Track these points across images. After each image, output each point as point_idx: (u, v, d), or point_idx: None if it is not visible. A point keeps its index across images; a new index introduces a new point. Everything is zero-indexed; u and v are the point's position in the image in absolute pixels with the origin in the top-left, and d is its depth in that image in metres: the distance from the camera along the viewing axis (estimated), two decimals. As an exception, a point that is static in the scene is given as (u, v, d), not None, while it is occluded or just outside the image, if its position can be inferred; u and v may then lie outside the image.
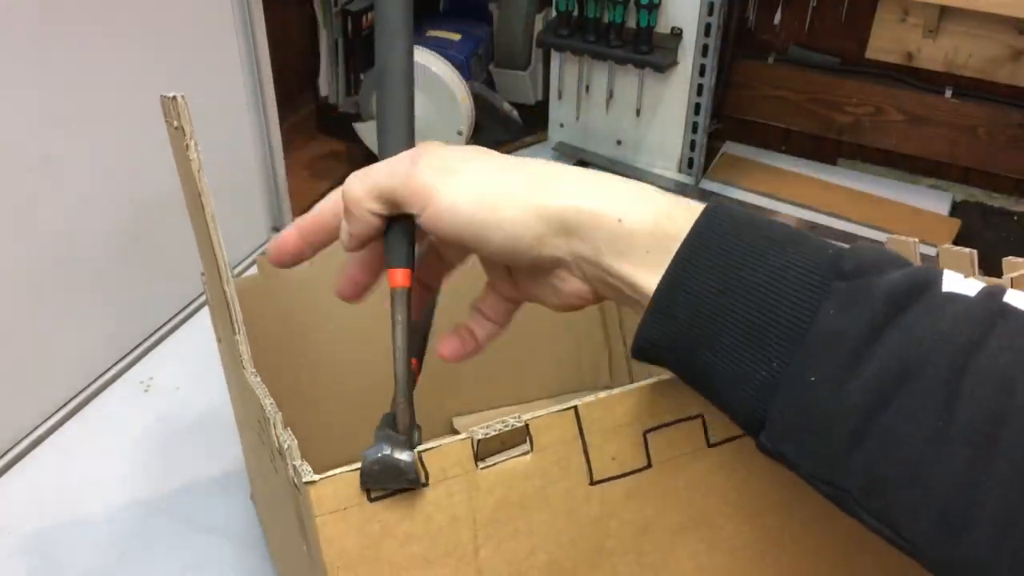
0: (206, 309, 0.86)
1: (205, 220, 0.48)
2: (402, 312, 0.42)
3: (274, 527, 0.69)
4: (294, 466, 0.39)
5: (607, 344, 0.90)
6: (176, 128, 0.48)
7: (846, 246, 0.36)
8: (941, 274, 0.34)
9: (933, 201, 1.28)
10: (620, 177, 0.41)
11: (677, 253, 0.36)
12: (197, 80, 0.97)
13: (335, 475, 0.38)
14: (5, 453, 0.87)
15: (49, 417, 0.90)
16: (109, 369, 0.96)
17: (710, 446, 0.44)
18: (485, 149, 0.43)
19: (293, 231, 0.46)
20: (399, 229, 0.42)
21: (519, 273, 0.44)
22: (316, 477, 0.37)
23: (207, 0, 0.96)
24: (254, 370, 0.47)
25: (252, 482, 0.80)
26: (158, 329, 1.01)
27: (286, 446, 0.40)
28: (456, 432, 0.88)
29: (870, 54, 1.29)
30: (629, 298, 0.39)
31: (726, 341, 0.35)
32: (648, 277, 0.37)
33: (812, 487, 0.35)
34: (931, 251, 1.31)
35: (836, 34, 1.30)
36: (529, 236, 0.39)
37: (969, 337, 0.32)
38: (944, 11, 1.19)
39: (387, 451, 0.37)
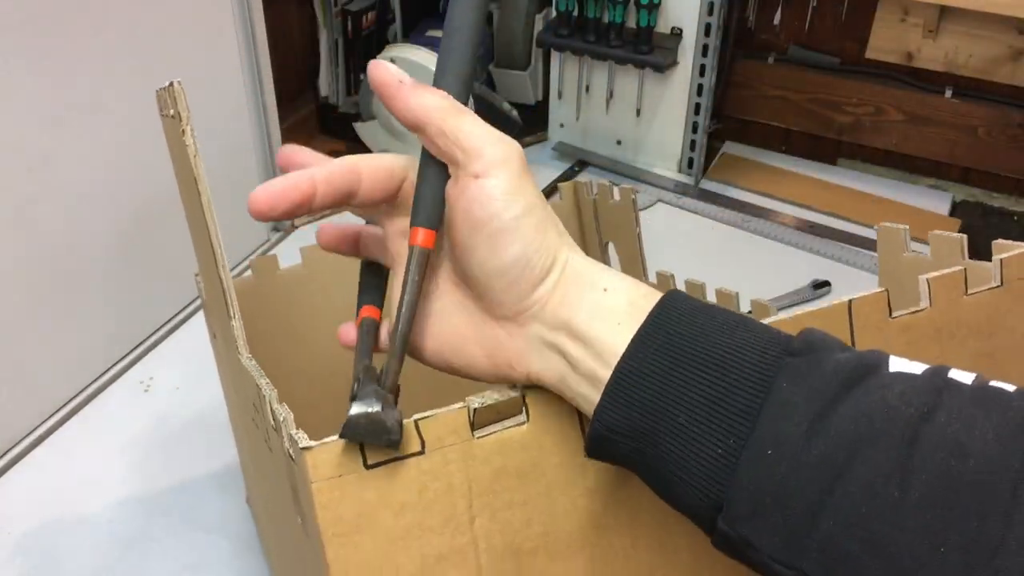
0: (206, 309, 0.86)
1: (201, 208, 0.47)
2: (419, 273, 0.40)
3: (269, 527, 0.69)
4: (290, 435, 0.38)
5: None
6: (172, 117, 0.47)
7: (792, 334, 0.37)
8: (887, 357, 0.35)
9: (933, 201, 1.28)
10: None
11: (636, 334, 0.37)
12: (197, 80, 0.97)
13: (331, 442, 0.37)
14: (5, 453, 0.87)
15: (49, 417, 0.90)
16: (109, 369, 0.96)
17: None
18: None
19: (304, 179, 0.42)
20: (432, 184, 0.41)
21: (484, 300, 0.40)
22: (312, 443, 0.37)
23: (207, 0, 0.96)
24: (249, 355, 0.47)
25: (247, 484, 0.80)
26: (158, 329, 1.01)
27: (281, 418, 0.40)
28: None
29: (870, 54, 1.29)
30: (578, 367, 0.38)
31: (682, 418, 0.35)
32: (617, 341, 0.37)
33: (769, 574, 0.34)
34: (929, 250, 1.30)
35: (836, 34, 1.30)
36: (540, 266, 0.39)
37: (919, 409, 0.32)
38: (944, 11, 1.19)
39: (376, 408, 0.37)
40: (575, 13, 1.23)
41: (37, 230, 0.84)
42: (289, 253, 0.78)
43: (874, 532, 0.31)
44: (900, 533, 0.31)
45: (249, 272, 0.74)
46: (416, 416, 0.39)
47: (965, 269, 0.48)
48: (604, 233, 0.85)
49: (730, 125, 1.40)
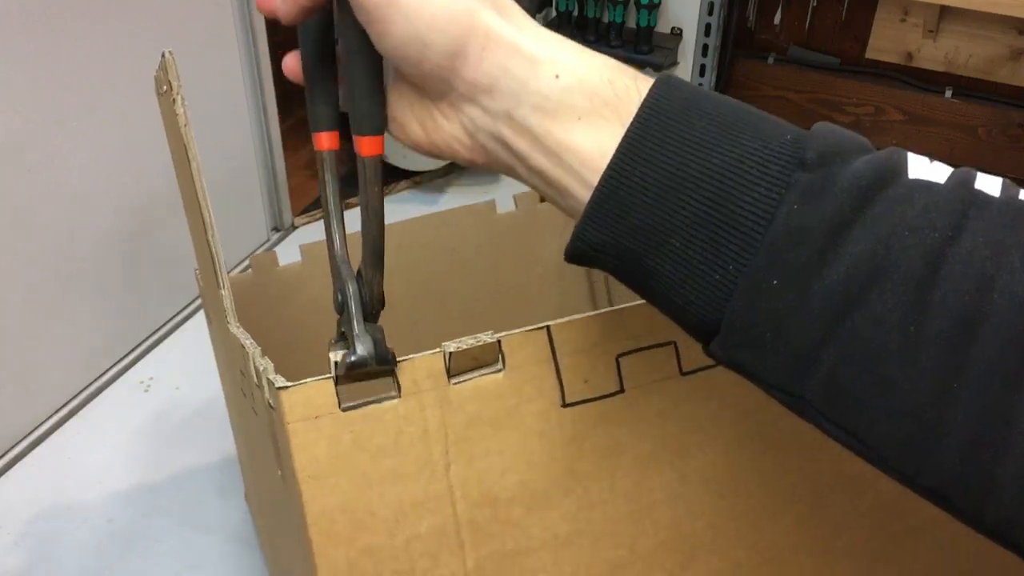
0: (206, 309, 0.86)
1: (191, 177, 0.47)
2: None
3: (263, 517, 0.70)
4: (268, 379, 0.39)
5: (593, 307, 0.91)
6: (164, 92, 0.47)
7: (805, 131, 0.33)
8: (906, 158, 0.31)
9: (933, 201, 1.28)
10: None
11: (620, 146, 0.32)
12: (198, 80, 0.98)
13: (307, 383, 0.38)
14: (5, 453, 0.87)
15: (49, 417, 0.90)
16: (109, 369, 0.96)
17: (683, 374, 0.43)
18: None
19: None
20: (321, 91, 0.39)
21: (409, 81, 0.36)
22: (288, 384, 0.37)
23: (207, 0, 0.96)
24: (238, 323, 0.47)
25: (246, 480, 0.81)
26: (158, 329, 1.01)
27: (262, 368, 0.40)
28: None
29: (870, 54, 1.29)
30: (532, 169, 0.34)
31: (675, 243, 0.31)
32: (586, 144, 0.32)
33: (769, 395, 0.32)
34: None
35: (836, 34, 1.30)
36: (440, 42, 0.33)
37: (942, 232, 0.29)
38: (944, 11, 1.19)
39: (370, 344, 0.37)
40: (575, 13, 1.23)
41: (37, 230, 0.84)
42: (288, 253, 0.78)
43: (883, 368, 0.29)
44: (912, 369, 0.29)
45: (249, 270, 0.74)
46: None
47: None
48: None
49: (730, 125, 1.40)
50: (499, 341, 0.40)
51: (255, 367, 0.41)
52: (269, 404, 0.40)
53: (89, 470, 0.86)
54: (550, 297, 0.88)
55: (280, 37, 1.28)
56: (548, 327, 0.40)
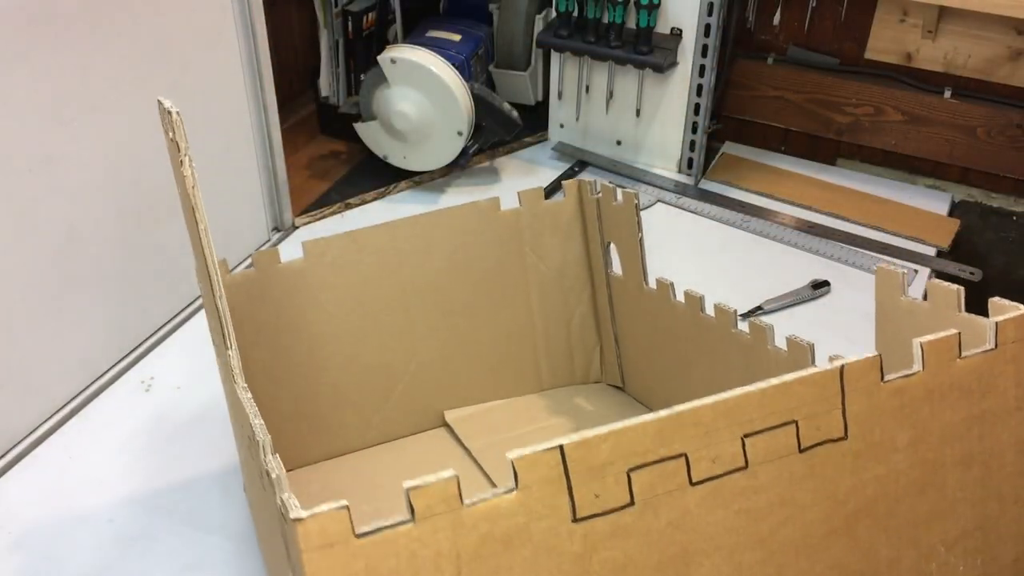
0: (207, 309, 0.86)
1: (199, 234, 0.48)
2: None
3: (262, 523, 0.70)
4: (282, 499, 0.39)
5: (599, 339, 0.90)
6: (171, 140, 0.48)
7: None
8: None
9: (932, 201, 1.28)
10: None
11: None
12: (198, 81, 0.98)
13: (322, 512, 0.38)
14: (6, 452, 0.87)
15: (50, 417, 0.90)
16: (110, 369, 0.96)
17: (692, 484, 0.44)
18: None
19: None
20: None
21: None
22: (304, 514, 0.38)
23: (207, 0, 0.96)
24: (245, 385, 0.48)
25: (244, 474, 0.81)
26: (159, 329, 1.01)
27: (274, 476, 0.41)
28: (448, 425, 0.88)
29: (869, 54, 1.29)
30: None
31: None
32: None
33: None
34: (930, 251, 1.30)
35: (835, 34, 1.30)
36: None
37: None
38: (943, 11, 1.19)
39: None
40: (575, 14, 1.23)
41: (38, 230, 0.84)
42: (289, 253, 0.79)
43: None
44: None
45: (251, 267, 0.74)
46: (407, 484, 0.39)
47: (959, 334, 0.48)
48: (606, 233, 0.85)
49: (730, 125, 1.40)
50: (512, 462, 0.40)
51: (267, 468, 0.43)
52: (281, 513, 0.41)
53: (90, 470, 0.86)
54: (552, 295, 0.88)
55: (279, 36, 1.28)
56: (561, 447, 0.41)
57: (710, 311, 0.75)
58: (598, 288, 0.88)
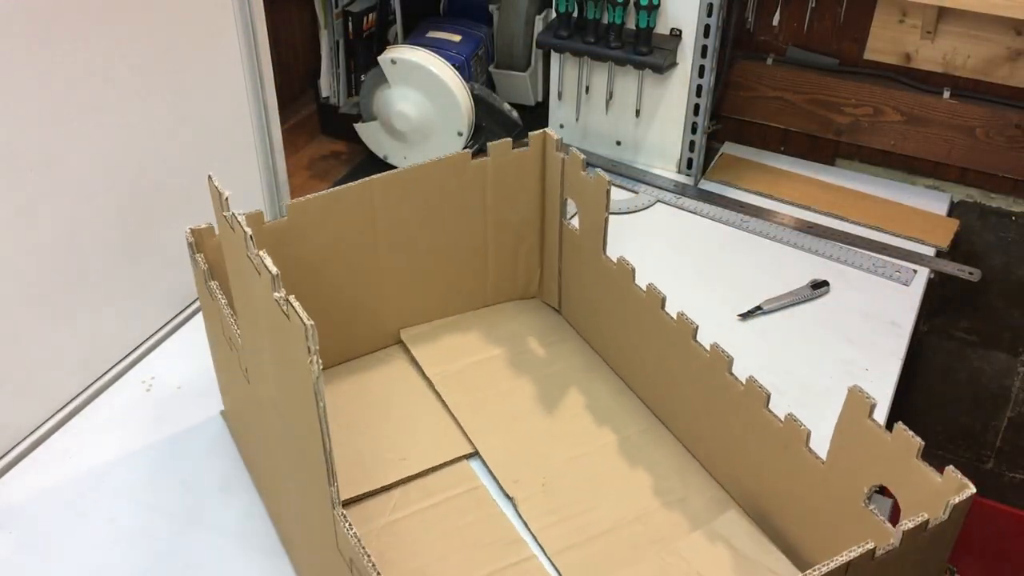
0: (207, 309, 0.86)
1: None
2: None
3: (254, 437, 0.78)
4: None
5: (540, 268, 1.02)
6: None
7: None
8: None
9: (931, 201, 1.29)
10: None
11: None
12: (198, 81, 0.98)
13: None
14: (7, 452, 0.87)
15: (51, 416, 0.91)
16: (111, 369, 0.96)
17: None
18: None
19: None
20: None
21: None
22: None
23: (208, 1, 0.96)
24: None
25: (226, 399, 0.88)
26: (160, 329, 1.01)
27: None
28: (402, 343, 0.97)
29: (868, 55, 1.29)
30: None
31: None
32: None
33: None
34: (929, 251, 1.31)
35: (834, 35, 1.30)
36: None
37: None
38: (942, 12, 1.20)
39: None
40: (575, 14, 1.23)
41: (39, 230, 0.85)
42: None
43: None
44: None
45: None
46: None
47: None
48: (567, 190, 0.93)
49: (729, 126, 1.40)
50: None
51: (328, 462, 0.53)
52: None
53: (91, 469, 0.86)
54: (505, 230, 0.98)
55: (280, 37, 1.28)
56: None
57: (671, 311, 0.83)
58: (548, 229, 0.98)
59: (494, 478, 0.83)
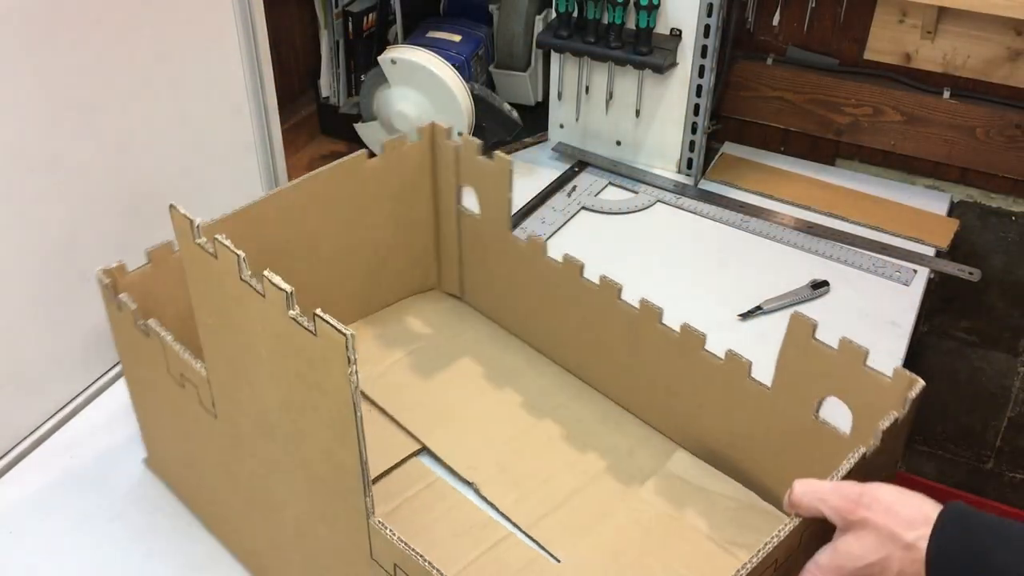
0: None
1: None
2: None
3: (216, 476, 0.76)
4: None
5: (437, 258, 1.04)
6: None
7: None
8: None
9: (931, 201, 1.29)
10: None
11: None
12: (198, 81, 0.98)
13: None
14: (7, 452, 0.87)
15: (51, 416, 0.91)
16: (111, 369, 0.96)
17: None
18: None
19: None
20: None
21: None
22: None
23: (208, 1, 0.96)
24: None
25: (156, 444, 0.85)
26: (159, 329, 1.01)
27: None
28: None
29: (868, 55, 1.29)
30: None
31: None
32: None
33: None
34: (929, 251, 1.30)
35: (834, 35, 1.30)
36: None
37: None
38: (942, 12, 1.20)
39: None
40: (575, 14, 1.23)
41: (39, 230, 0.85)
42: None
43: None
44: None
45: (149, 264, 0.79)
46: None
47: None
48: (463, 177, 0.95)
49: (729, 126, 1.40)
50: None
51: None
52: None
53: (91, 469, 0.86)
54: (403, 224, 0.98)
55: (280, 37, 1.28)
56: None
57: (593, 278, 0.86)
58: (444, 219, 1.00)
59: (449, 469, 0.85)
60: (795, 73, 1.33)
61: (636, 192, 1.28)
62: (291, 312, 0.54)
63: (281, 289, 0.54)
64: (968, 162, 1.29)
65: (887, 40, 1.27)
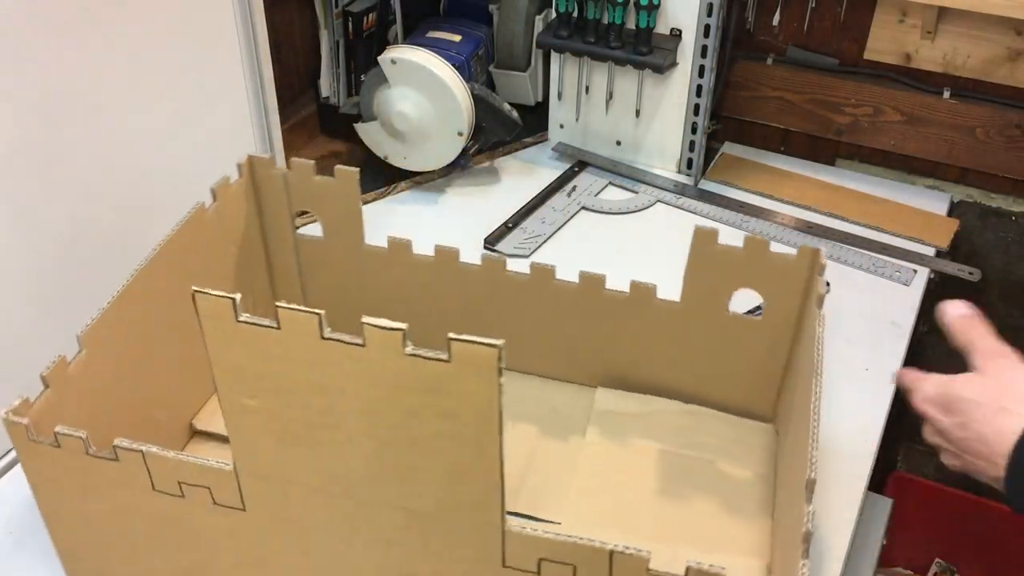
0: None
1: None
2: None
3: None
4: None
5: (271, 285, 1.00)
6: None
7: None
8: None
9: (931, 201, 1.29)
10: None
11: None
12: (198, 81, 0.98)
13: None
14: (7, 452, 0.87)
15: (51, 416, 0.90)
16: (111, 369, 0.96)
17: None
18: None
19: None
20: None
21: None
22: None
23: (208, 1, 0.96)
24: None
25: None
26: (159, 329, 1.01)
27: None
28: (201, 432, 0.94)
29: (868, 55, 1.29)
30: None
31: None
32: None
33: None
34: (929, 251, 1.30)
35: (834, 35, 1.30)
36: None
37: None
38: (942, 12, 1.20)
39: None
40: (575, 14, 1.23)
41: (38, 230, 0.85)
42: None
43: None
44: None
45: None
46: None
47: None
48: (297, 202, 0.92)
49: (729, 126, 1.40)
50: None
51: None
52: None
53: (91, 469, 0.86)
54: (241, 269, 0.95)
55: (280, 37, 1.28)
56: None
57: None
58: (278, 249, 0.96)
59: None
60: (795, 73, 1.33)
61: (636, 192, 1.28)
62: (407, 349, 0.51)
63: (394, 329, 0.50)
64: (968, 162, 1.29)
65: (887, 40, 1.27)
